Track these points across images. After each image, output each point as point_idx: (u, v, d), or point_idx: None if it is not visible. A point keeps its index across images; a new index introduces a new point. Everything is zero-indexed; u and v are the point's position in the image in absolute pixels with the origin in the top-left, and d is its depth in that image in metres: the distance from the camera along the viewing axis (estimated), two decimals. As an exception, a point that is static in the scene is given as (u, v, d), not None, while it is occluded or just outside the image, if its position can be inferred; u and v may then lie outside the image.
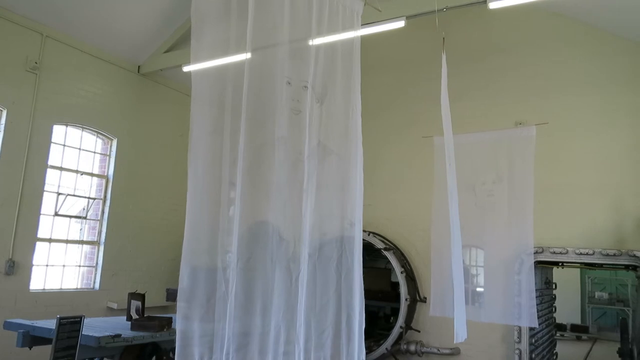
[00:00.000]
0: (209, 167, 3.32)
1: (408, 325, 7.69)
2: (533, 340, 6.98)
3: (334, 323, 3.35)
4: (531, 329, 6.72)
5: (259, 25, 3.44)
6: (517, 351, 6.84)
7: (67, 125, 7.78)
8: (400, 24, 5.97)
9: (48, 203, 7.47)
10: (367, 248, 5.92)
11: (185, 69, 7.67)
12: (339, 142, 3.66)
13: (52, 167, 7.53)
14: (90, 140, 8.26)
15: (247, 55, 3.27)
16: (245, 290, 3.27)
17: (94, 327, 5.11)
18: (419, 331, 7.73)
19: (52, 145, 7.49)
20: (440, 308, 6.20)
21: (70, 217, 7.83)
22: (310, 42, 3.58)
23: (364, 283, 3.44)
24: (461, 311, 4.33)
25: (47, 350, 4.43)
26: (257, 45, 3.39)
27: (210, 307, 3.21)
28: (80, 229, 8.12)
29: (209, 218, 3.29)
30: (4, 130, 6.89)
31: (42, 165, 7.31)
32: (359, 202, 3.45)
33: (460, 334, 4.25)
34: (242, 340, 3.17)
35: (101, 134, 8.32)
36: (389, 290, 7.93)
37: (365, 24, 4.71)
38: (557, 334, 10.36)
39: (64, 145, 7.77)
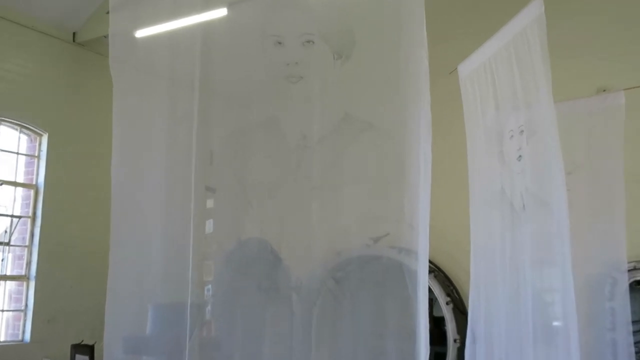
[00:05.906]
0: (143, 167, 3.12)
1: (460, 377, 6.65)
2: (633, 391, 6.14)
3: None
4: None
5: None
6: (612, 406, 6.16)
7: (-22, 118, 7.02)
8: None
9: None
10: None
11: (138, 34, 6.60)
12: (382, 110, 3.03)
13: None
14: (12, 138, 7.39)
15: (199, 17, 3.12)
16: (215, 333, 3.03)
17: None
18: (474, 382, 6.44)
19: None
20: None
21: (-14, 243, 7.00)
22: None
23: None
24: None
25: None
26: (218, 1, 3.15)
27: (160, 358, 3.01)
28: (2, 259, 7.19)
29: (145, 237, 3.04)
30: None
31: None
32: (423, 196, 2.43)
33: None
34: None
35: (26, 127, 7.40)
36: (430, 328, 6.65)
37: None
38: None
39: (-26, 146, 6.95)
